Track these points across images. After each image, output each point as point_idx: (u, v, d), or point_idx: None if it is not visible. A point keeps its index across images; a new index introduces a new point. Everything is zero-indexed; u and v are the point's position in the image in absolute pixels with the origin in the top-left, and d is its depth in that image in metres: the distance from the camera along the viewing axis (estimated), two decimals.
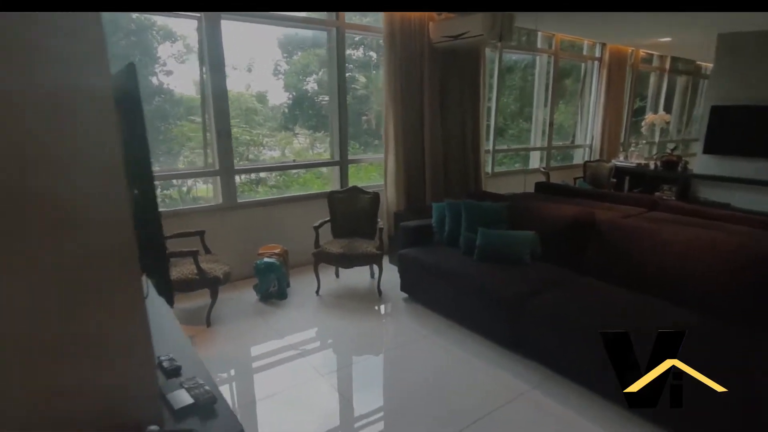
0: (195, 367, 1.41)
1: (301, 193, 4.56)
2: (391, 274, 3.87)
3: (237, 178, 4.07)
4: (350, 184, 4.36)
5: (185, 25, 3.83)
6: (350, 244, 3.73)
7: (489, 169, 5.92)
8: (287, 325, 3.34)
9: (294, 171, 4.80)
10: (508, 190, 4.86)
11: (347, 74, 4.55)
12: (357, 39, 4.89)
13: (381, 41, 4.44)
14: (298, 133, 5.00)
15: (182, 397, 1.22)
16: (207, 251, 3.51)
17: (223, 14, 3.62)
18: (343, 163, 4.55)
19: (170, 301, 1.16)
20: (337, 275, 4.17)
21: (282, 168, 4.60)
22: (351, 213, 3.97)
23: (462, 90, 4.96)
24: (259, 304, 3.63)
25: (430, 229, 3.81)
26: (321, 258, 3.69)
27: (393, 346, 3.12)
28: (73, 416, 1.00)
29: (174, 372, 1.35)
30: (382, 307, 3.67)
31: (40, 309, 0.91)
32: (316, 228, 3.77)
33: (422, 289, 3.57)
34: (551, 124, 6.74)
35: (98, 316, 0.99)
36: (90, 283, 0.96)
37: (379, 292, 3.80)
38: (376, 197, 3.98)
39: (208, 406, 1.21)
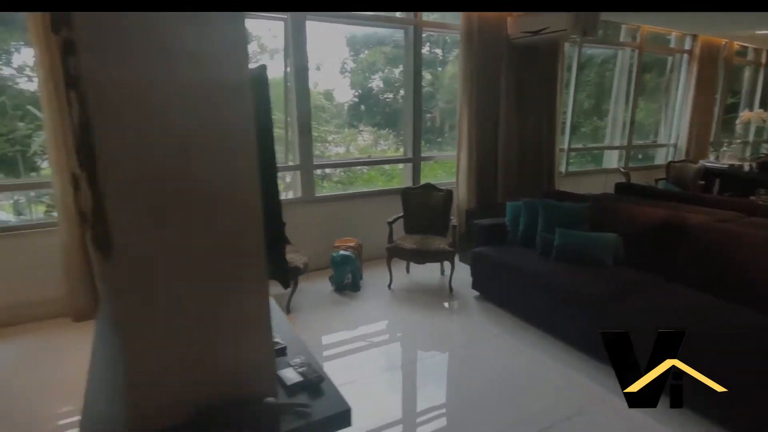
0: (297, 348, 1.51)
1: (376, 189, 4.66)
2: (461, 272, 3.86)
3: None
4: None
5: (265, 26, 4.02)
6: (423, 240, 3.77)
7: (562, 169, 5.72)
8: (360, 316, 3.45)
9: (358, 167, 4.92)
10: (582, 190, 4.69)
11: None
12: (423, 36, 4.90)
13: (447, 38, 4.42)
14: (362, 130, 5.11)
15: (292, 375, 1.32)
16: (287, 242, 3.69)
17: (308, 15, 3.77)
18: (416, 160, 4.60)
19: (286, 284, 1.26)
20: (408, 270, 4.23)
21: (359, 164, 4.74)
22: (424, 209, 4.01)
23: (539, 86, 4.83)
24: (334, 295, 3.77)
25: (503, 228, 3.76)
26: (394, 253, 3.76)
27: (463, 343, 3.12)
28: (209, 385, 1.12)
29: (281, 351, 1.46)
30: (453, 304, 3.68)
31: (195, 286, 1.04)
32: (390, 223, 3.85)
33: (495, 288, 3.54)
34: (632, 121, 6.39)
35: (235, 293, 1.10)
36: (230, 263, 1.08)
37: (450, 289, 3.81)
38: (449, 194, 3.99)
39: (315, 384, 1.30)
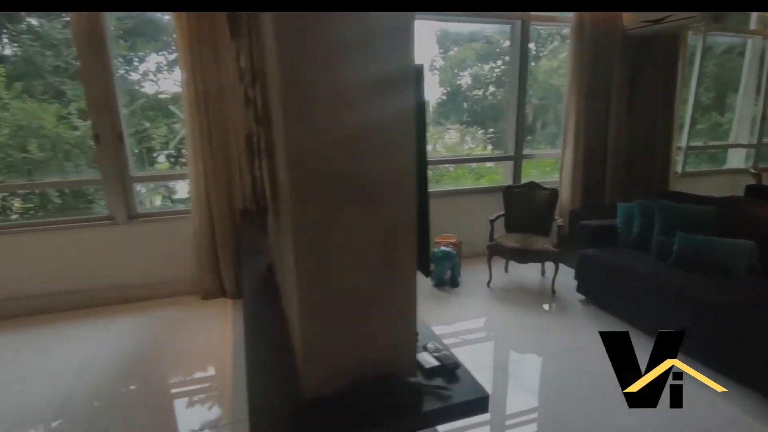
0: (427, 334, 1.58)
1: (474, 187, 4.65)
2: (563, 274, 3.73)
3: None
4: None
5: None
6: (525, 239, 3.70)
7: (678, 168, 5.29)
8: (458, 312, 3.47)
9: (444, 165, 4.91)
10: (700, 192, 4.30)
11: (503, 67, 4.50)
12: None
13: (541, 31, 4.27)
14: (449, 128, 5.09)
15: (428, 359, 1.39)
16: None
17: (417, 14, 3.84)
18: (517, 158, 4.51)
19: (427, 273, 1.33)
20: (506, 269, 4.17)
21: (460, 161, 4.78)
22: (526, 208, 3.93)
23: (656, 80, 4.51)
24: (434, 290, 3.82)
25: (612, 230, 3.59)
26: (495, 251, 3.73)
27: (564, 347, 3.00)
28: (362, 360, 1.22)
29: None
30: (555, 306, 3.58)
31: (358, 270, 1.14)
32: (492, 221, 3.83)
33: (603, 292, 3.38)
34: (765, 117, 5.72)
35: (389, 278, 1.19)
36: (388, 251, 1.17)
37: (553, 290, 3.70)
38: (553, 194, 3.87)
39: (451, 370, 1.36)
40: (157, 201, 4.51)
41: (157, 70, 4.78)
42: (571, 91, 4.26)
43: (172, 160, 4.97)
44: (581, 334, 3.13)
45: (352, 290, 1.17)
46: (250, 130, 1.41)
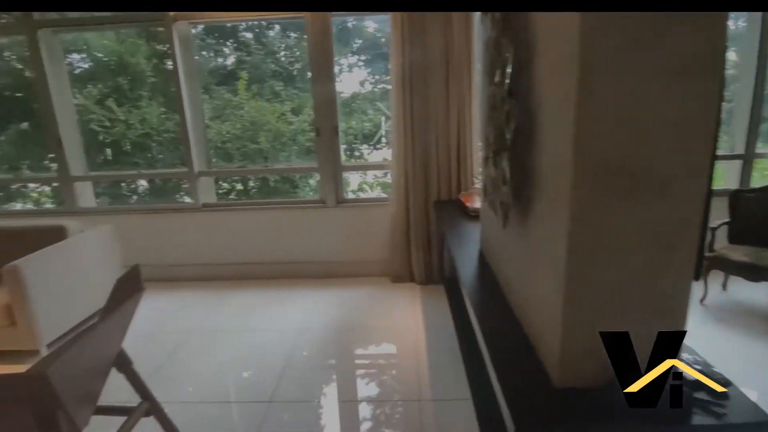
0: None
1: None
2: None
3: None
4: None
5: None
6: (760, 253, 3.13)
7: None
8: None
9: None
10: None
11: None
12: None
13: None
14: None
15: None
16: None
17: None
18: (747, 157, 3.83)
19: (698, 276, 1.23)
20: (724, 287, 3.59)
21: None
22: (762, 217, 3.31)
23: None
24: None
25: None
26: (716, 264, 3.24)
27: None
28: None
29: None
30: None
31: (630, 262, 1.11)
32: (714, 229, 3.33)
33: None
34: None
35: (661, 275, 1.14)
36: (664, 248, 1.11)
37: None
38: None
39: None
40: None
41: (339, 72, 5.33)
42: None
43: (348, 153, 5.49)
44: None
45: (620, 285, 1.15)
46: (505, 123, 1.46)
